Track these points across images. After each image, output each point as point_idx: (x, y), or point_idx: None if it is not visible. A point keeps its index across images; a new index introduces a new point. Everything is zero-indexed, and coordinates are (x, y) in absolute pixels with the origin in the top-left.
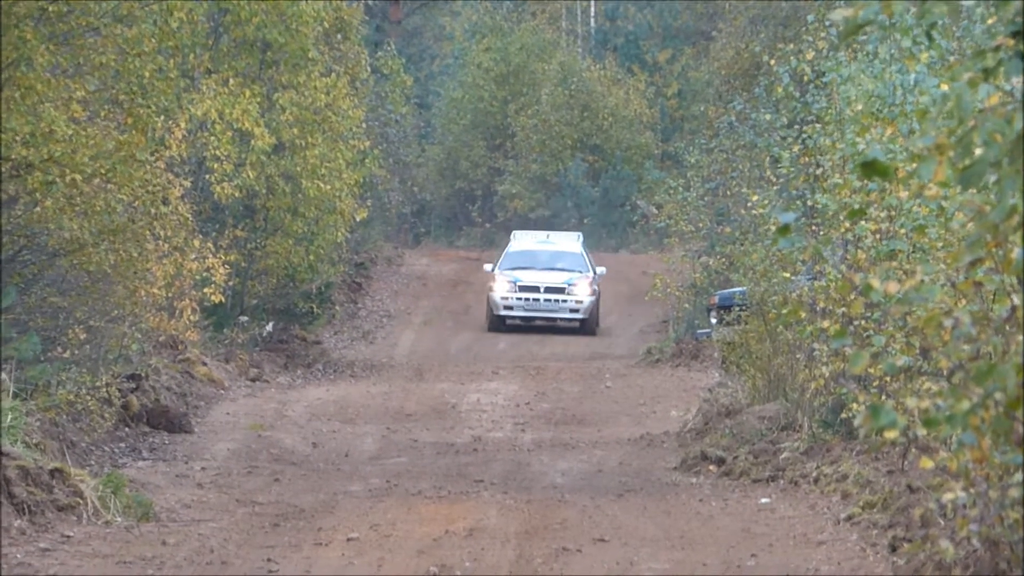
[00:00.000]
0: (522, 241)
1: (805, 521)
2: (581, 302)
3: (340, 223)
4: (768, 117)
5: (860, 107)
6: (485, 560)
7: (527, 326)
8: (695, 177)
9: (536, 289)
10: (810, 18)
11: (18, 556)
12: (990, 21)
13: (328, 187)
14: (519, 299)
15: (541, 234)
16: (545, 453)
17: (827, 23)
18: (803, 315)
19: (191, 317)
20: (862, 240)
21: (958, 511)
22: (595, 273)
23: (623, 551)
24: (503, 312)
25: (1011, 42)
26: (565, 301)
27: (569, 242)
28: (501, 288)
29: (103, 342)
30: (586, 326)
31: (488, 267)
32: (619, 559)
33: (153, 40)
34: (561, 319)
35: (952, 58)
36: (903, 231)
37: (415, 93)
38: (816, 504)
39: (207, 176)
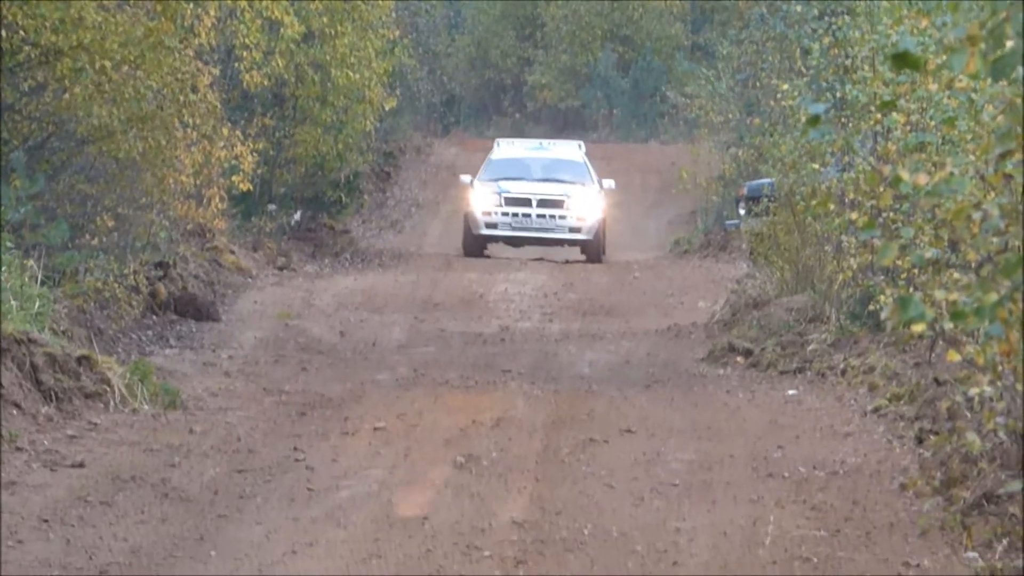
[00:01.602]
0: (509, 148)
1: (832, 413)
2: (584, 219)
3: (369, 112)
4: (799, 8)
5: None
6: (512, 450)
7: (514, 252)
8: (725, 69)
9: (527, 202)
10: None
11: (45, 443)
12: None
13: (357, 76)
14: (505, 215)
15: (533, 141)
16: (573, 344)
17: None
18: (832, 207)
19: (219, 205)
20: (892, 132)
21: (985, 404)
22: (601, 187)
23: (650, 442)
24: (484, 231)
25: None
26: (564, 218)
27: (568, 150)
28: (482, 201)
29: (131, 230)
30: (589, 250)
31: (465, 178)
32: (646, 450)
33: None
34: (558, 240)
35: None
36: (933, 123)
37: None
38: (843, 396)
39: (236, 64)
